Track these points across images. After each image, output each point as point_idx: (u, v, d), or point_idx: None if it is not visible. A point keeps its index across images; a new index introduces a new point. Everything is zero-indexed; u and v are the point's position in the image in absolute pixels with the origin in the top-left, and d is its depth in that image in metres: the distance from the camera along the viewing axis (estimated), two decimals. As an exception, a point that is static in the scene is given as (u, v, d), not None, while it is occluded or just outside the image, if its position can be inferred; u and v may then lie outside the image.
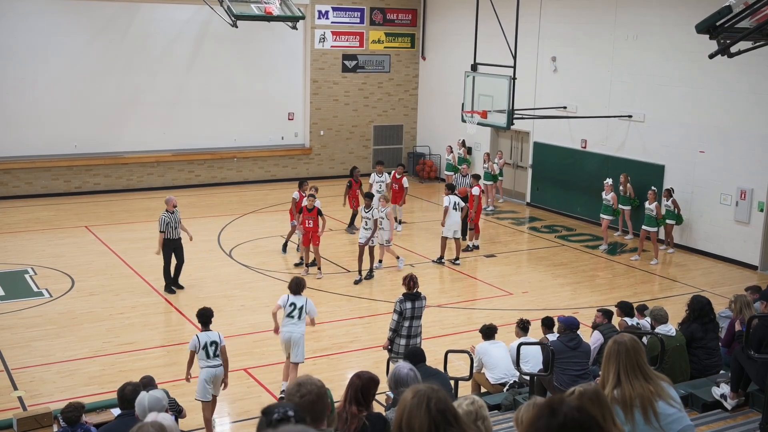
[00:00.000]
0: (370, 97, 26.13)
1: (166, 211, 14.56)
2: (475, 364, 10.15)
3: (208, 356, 9.55)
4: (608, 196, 18.15)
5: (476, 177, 18.57)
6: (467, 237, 18.07)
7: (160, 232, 14.53)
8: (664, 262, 17.63)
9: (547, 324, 10.46)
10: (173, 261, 14.82)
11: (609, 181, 18.35)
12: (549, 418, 2.77)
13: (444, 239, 16.85)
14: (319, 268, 15.90)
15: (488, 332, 10.49)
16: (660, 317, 9.67)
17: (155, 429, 4.06)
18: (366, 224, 15.62)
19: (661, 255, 17.77)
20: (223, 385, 9.75)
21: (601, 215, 18.35)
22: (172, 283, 14.86)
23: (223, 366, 9.63)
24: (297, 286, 10.60)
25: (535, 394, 9.11)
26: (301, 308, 10.50)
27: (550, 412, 2.79)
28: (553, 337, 9.99)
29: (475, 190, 17.94)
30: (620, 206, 18.64)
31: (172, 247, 14.73)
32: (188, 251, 17.24)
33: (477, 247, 18.03)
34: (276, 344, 11.38)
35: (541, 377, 9.27)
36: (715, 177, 17.73)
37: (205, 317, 9.75)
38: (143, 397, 6.32)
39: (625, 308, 10.85)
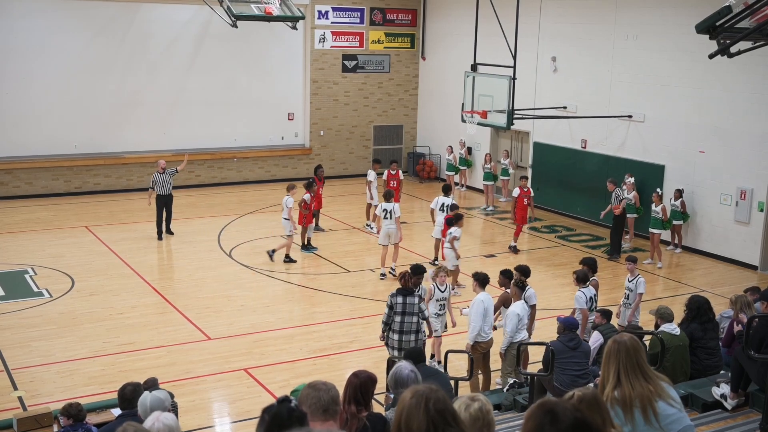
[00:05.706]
0: (370, 97, 26.12)
1: (157, 172, 17.89)
2: (472, 322, 10.43)
3: (386, 218, 15.54)
4: (630, 195, 17.97)
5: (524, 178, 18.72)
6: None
7: (150, 188, 17.96)
8: (665, 262, 17.59)
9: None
10: (164, 216, 18.07)
11: (630, 180, 18.31)
12: (553, 423, 2.76)
13: (437, 240, 16.87)
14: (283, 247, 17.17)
15: (485, 280, 10.75)
16: (666, 315, 9.66)
17: (133, 429, 4.33)
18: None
19: (666, 256, 17.70)
20: (399, 238, 15.78)
21: (627, 215, 18.20)
22: (164, 231, 18.08)
23: (397, 227, 15.56)
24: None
25: (536, 394, 9.13)
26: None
27: (552, 419, 2.78)
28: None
29: (515, 192, 18.07)
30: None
31: (163, 202, 17.95)
32: (188, 251, 17.35)
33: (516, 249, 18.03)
34: (275, 345, 12.58)
35: (541, 377, 9.27)
36: (715, 177, 17.72)
37: (387, 196, 15.85)
38: (145, 397, 6.31)
39: (523, 271, 11.17)
